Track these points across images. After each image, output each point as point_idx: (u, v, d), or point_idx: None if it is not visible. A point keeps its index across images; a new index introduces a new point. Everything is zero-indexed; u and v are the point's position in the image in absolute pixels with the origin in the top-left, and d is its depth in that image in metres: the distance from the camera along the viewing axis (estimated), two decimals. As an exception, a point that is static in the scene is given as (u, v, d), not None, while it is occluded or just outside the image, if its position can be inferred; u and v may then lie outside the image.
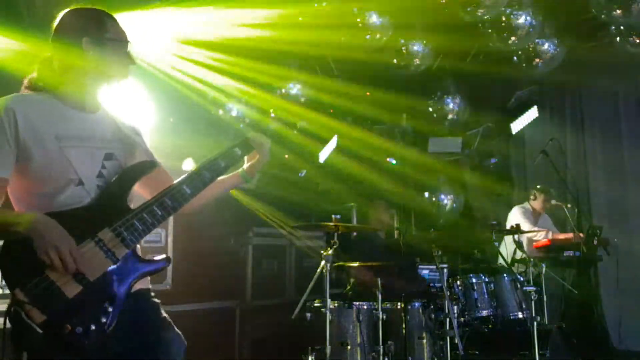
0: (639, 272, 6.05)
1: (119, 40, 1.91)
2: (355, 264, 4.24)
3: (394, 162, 7.21)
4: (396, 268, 4.49)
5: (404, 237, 3.81)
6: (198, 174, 1.91)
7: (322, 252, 3.74)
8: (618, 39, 6.13)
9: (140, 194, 1.99)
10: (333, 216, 3.93)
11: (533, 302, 4.01)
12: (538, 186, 6.15)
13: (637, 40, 5.94)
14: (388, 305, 3.80)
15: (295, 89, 5.96)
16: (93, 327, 1.63)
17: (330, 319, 3.59)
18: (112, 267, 1.71)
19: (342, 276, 4.75)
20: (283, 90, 5.93)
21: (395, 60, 6.40)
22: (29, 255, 1.59)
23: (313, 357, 3.59)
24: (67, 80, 1.86)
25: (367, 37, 5.72)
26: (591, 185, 6.73)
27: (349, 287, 4.62)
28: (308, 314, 3.77)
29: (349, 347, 3.65)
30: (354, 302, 3.79)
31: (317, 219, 6.32)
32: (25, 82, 1.91)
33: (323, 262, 3.73)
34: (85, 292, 1.64)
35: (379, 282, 3.70)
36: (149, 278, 1.94)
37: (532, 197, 6.12)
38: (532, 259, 4.78)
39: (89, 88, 1.90)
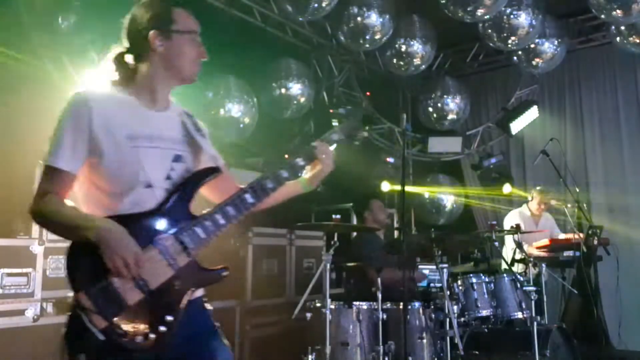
0: (639, 272, 6.06)
1: (187, 31, 1.84)
2: (355, 264, 4.24)
3: (392, 161, 7.21)
4: (396, 268, 4.49)
5: (404, 237, 3.81)
6: (261, 183, 1.87)
7: (322, 252, 3.74)
8: (618, 39, 6.13)
9: (204, 196, 1.96)
10: (333, 216, 3.93)
11: (533, 302, 4.01)
12: (537, 187, 6.16)
13: (637, 40, 5.94)
14: (388, 305, 3.80)
15: (294, 89, 5.96)
16: (152, 336, 1.61)
17: (330, 319, 3.59)
18: (173, 274, 1.68)
19: (342, 276, 4.75)
20: (283, 90, 5.93)
21: (395, 60, 6.41)
22: (94, 259, 1.58)
23: (313, 357, 3.60)
24: (138, 77, 1.83)
25: (367, 36, 5.73)
26: (591, 185, 6.73)
27: (349, 287, 4.62)
28: (308, 314, 3.77)
29: (349, 347, 3.65)
30: (354, 302, 3.79)
31: (317, 219, 6.34)
32: (107, 77, 1.88)
33: (323, 262, 3.73)
34: (146, 300, 1.62)
35: (379, 282, 3.70)
36: None
37: (529, 198, 6.15)
38: (532, 259, 4.77)
39: (160, 85, 1.84)
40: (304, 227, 5.24)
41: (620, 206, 6.46)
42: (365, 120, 2.28)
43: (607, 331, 5.64)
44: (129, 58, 1.85)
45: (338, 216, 3.94)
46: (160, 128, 1.82)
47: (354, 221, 6.25)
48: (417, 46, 6.27)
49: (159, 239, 1.68)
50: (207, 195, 1.95)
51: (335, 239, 3.92)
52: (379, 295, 3.68)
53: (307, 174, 2.09)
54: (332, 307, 3.66)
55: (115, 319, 1.57)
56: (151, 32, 1.79)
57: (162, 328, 1.63)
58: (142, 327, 1.60)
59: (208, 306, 1.92)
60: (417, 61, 6.37)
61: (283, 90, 5.92)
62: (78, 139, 1.68)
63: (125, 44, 1.86)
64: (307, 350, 3.63)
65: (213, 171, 1.86)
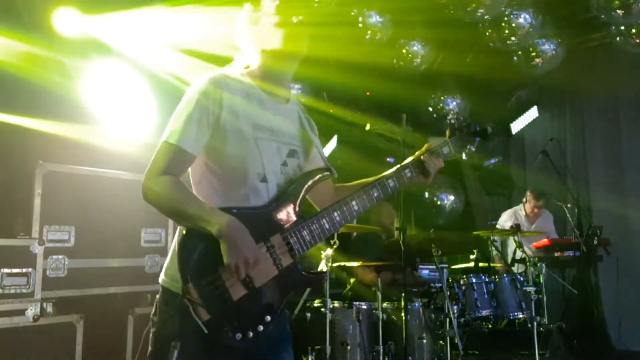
0: (639, 272, 6.06)
1: (275, 14, 1.79)
2: (356, 264, 4.24)
3: (393, 161, 7.21)
4: (396, 268, 4.49)
5: (404, 237, 3.81)
6: (367, 192, 1.86)
7: (322, 252, 3.74)
8: (618, 39, 6.13)
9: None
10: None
11: (533, 302, 4.01)
12: (531, 189, 6.19)
13: (637, 40, 5.94)
14: (388, 305, 3.80)
15: (295, 88, 5.97)
16: (251, 335, 1.60)
17: (330, 319, 3.59)
18: (277, 274, 1.66)
19: (342, 276, 4.75)
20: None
21: (395, 60, 6.41)
22: (208, 252, 1.57)
23: (313, 357, 3.60)
24: (257, 66, 1.82)
25: (367, 36, 5.73)
26: (591, 185, 6.74)
27: (348, 287, 4.62)
28: (308, 314, 3.77)
29: (349, 347, 3.65)
30: (354, 302, 3.78)
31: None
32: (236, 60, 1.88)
33: (323, 262, 3.73)
34: (249, 297, 1.61)
35: (379, 282, 3.70)
36: None
37: (524, 199, 6.19)
38: (532, 259, 4.78)
39: (278, 74, 1.83)
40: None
41: (620, 206, 6.46)
42: (481, 134, 2.20)
43: (607, 331, 5.65)
44: (246, 51, 1.85)
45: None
46: (280, 121, 1.81)
47: (354, 221, 6.24)
48: (417, 46, 6.27)
49: (268, 237, 1.66)
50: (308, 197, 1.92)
51: (335, 239, 3.92)
52: (379, 295, 3.68)
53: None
54: (332, 307, 3.66)
55: (219, 312, 1.56)
56: (246, 23, 1.81)
57: (261, 327, 1.62)
58: (243, 323, 1.59)
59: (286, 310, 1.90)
60: (417, 61, 6.37)
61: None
62: (206, 121, 1.67)
63: (241, 40, 1.85)
64: (307, 350, 3.63)
65: (325, 171, 1.84)
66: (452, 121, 2.16)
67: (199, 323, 1.53)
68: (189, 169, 1.74)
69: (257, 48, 1.81)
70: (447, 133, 2.12)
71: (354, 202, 1.82)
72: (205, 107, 1.67)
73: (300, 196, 1.77)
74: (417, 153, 2.04)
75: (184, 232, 1.62)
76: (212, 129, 1.67)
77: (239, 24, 1.83)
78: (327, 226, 1.77)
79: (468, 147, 2.17)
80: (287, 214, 1.72)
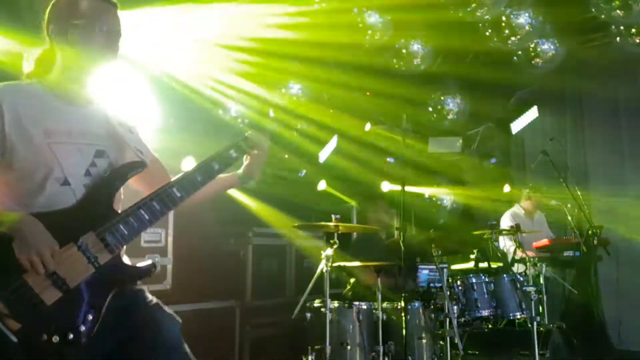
0: (639, 272, 6.05)
1: (87, 19, 1.76)
2: (355, 264, 4.24)
3: (393, 161, 7.21)
4: (396, 268, 4.49)
5: (404, 237, 3.81)
6: (190, 176, 1.83)
7: (322, 252, 3.74)
8: (618, 39, 6.13)
9: (137, 189, 1.92)
10: (333, 216, 3.92)
11: (533, 302, 4.01)
12: (530, 185, 6.19)
13: (637, 40, 5.94)
14: (388, 305, 3.80)
15: (295, 88, 5.96)
16: (71, 336, 1.54)
17: (330, 319, 3.59)
18: (93, 273, 1.62)
19: (342, 276, 4.75)
20: (283, 90, 5.93)
21: (395, 60, 6.41)
22: (6, 258, 1.51)
23: (313, 357, 3.60)
24: (54, 72, 1.80)
25: (367, 37, 5.73)
26: (591, 185, 6.73)
27: (349, 287, 4.62)
28: (308, 314, 3.77)
29: (349, 347, 3.65)
30: (354, 302, 3.79)
31: (317, 219, 6.33)
32: (25, 71, 1.85)
33: (323, 262, 3.73)
34: (65, 299, 1.56)
35: (379, 282, 3.70)
36: None
37: (523, 197, 6.19)
38: (532, 259, 4.78)
39: (74, 79, 1.80)
40: (304, 227, 5.24)
41: (620, 206, 6.46)
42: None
43: (607, 331, 5.64)
44: (48, 55, 1.82)
45: (338, 216, 3.94)
46: (80, 123, 1.78)
47: (354, 221, 6.25)
48: (417, 46, 6.27)
49: (78, 236, 1.62)
50: (143, 191, 1.89)
51: (335, 239, 3.92)
52: (379, 295, 3.68)
53: (243, 165, 2.05)
54: (332, 307, 3.66)
55: (30, 319, 1.51)
56: (50, 27, 1.78)
57: (82, 327, 1.57)
58: (60, 327, 1.54)
59: (138, 288, 1.84)
60: (417, 61, 6.37)
61: (283, 90, 5.92)
62: None
63: (47, 41, 1.83)
64: (307, 350, 3.64)
65: (137, 166, 1.81)
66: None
67: (7, 334, 1.48)
68: None
69: (62, 52, 1.79)
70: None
71: (174, 189, 1.79)
72: None
73: (113, 192, 1.74)
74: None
75: None
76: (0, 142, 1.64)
77: (46, 24, 1.80)
78: (146, 217, 1.72)
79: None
80: (98, 211, 1.69)
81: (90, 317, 1.59)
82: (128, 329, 1.69)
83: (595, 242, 4.98)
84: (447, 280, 4.00)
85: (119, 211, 1.76)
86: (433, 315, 3.88)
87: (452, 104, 7.16)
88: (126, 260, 1.75)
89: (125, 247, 1.76)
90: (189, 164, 4.34)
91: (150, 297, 1.83)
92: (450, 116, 7.19)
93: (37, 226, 1.56)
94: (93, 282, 1.63)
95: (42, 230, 1.56)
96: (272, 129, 1.92)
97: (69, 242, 1.61)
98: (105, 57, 1.81)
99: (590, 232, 5.04)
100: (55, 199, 1.67)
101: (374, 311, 3.72)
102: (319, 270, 3.78)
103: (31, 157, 1.66)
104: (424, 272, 5.46)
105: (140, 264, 1.76)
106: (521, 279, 4.31)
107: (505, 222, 6.03)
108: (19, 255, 1.52)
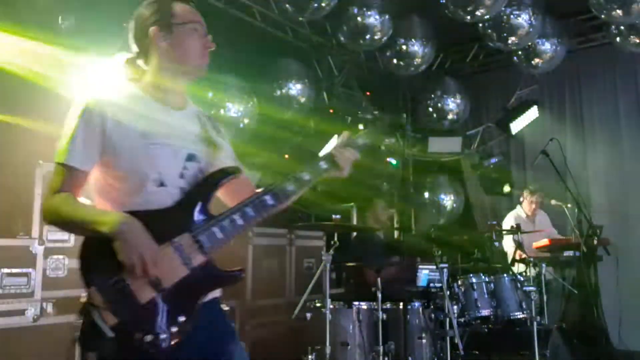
0: (639, 272, 6.05)
1: (189, 22, 1.82)
2: (355, 264, 4.25)
3: (394, 162, 7.21)
4: (396, 268, 4.49)
5: (404, 237, 3.82)
6: (281, 186, 1.84)
7: (322, 252, 3.74)
8: (618, 39, 6.13)
9: (219, 198, 1.92)
10: (333, 216, 3.93)
11: (533, 302, 4.01)
12: (529, 187, 6.19)
13: (637, 40, 5.95)
14: (388, 305, 3.80)
15: (294, 89, 5.96)
16: (163, 336, 1.56)
17: (330, 319, 3.59)
18: (187, 274, 1.64)
19: (342, 276, 4.76)
20: (283, 90, 5.93)
21: (395, 60, 6.41)
22: (108, 254, 1.55)
23: (313, 357, 3.60)
24: (149, 75, 1.82)
25: (367, 37, 5.73)
26: (591, 185, 6.73)
27: (349, 287, 4.62)
28: (308, 314, 3.77)
29: (349, 347, 3.65)
30: (354, 302, 3.79)
31: (317, 219, 6.34)
32: (115, 74, 1.88)
33: (323, 262, 3.73)
34: (159, 299, 1.59)
35: (379, 282, 3.70)
36: None
37: (521, 199, 6.19)
38: (532, 259, 4.78)
39: (171, 82, 1.83)
40: (304, 227, 5.25)
41: (620, 206, 6.46)
42: (394, 125, 2.23)
43: (607, 331, 5.64)
44: (139, 60, 1.85)
45: (338, 216, 3.94)
46: (175, 126, 1.80)
47: (354, 221, 6.25)
48: (417, 46, 6.27)
49: (174, 237, 1.65)
50: (222, 197, 1.92)
51: (335, 239, 3.92)
52: (379, 295, 3.68)
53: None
54: (332, 307, 3.66)
55: (125, 316, 1.54)
56: (152, 28, 1.79)
57: (174, 329, 1.59)
58: (154, 326, 1.57)
59: (224, 307, 1.89)
60: (417, 61, 6.37)
61: (283, 90, 5.92)
62: (91, 137, 1.67)
63: (133, 47, 1.85)
64: (307, 350, 3.64)
65: (233, 171, 1.83)
66: (367, 115, 2.16)
67: (104, 329, 1.51)
68: (89, 184, 1.74)
69: (158, 55, 1.81)
70: (363, 126, 2.14)
71: (267, 197, 1.80)
72: (89, 122, 1.67)
73: (209, 195, 1.76)
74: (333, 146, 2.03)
75: (83, 240, 1.62)
76: (100, 142, 1.67)
77: (139, 27, 1.82)
78: (240, 222, 1.74)
79: (384, 137, 2.18)
80: (194, 213, 1.71)
81: (182, 319, 1.61)
82: (204, 349, 1.71)
83: (595, 242, 4.99)
84: (447, 280, 4.00)
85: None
86: (433, 315, 3.89)
87: (452, 104, 7.16)
88: (217, 264, 1.75)
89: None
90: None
91: (230, 323, 1.87)
92: (450, 116, 7.19)
93: (139, 228, 1.59)
94: (186, 284, 1.64)
95: (144, 232, 1.59)
96: (364, 143, 1.93)
97: (164, 242, 1.63)
98: (203, 60, 1.85)
99: (590, 232, 5.04)
100: (151, 199, 1.69)
101: (374, 311, 3.72)
102: (319, 271, 3.78)
103: (131, 159, 1.69)
104: (424, 272, 5.46)
105: (231, 269, 1.76)
106: (521, 279, 4.31)
107: (508, 224, 6.02)
108: (122, 257, 1.55)
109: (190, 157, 1.79)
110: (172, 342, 1.58)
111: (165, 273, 1.60)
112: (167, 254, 1.62)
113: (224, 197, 1.92)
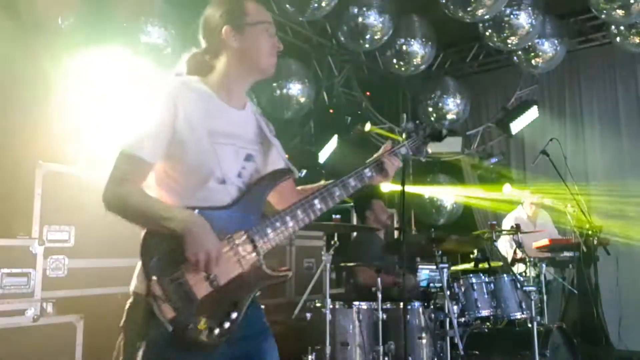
0: (639, 272, 6.06)
1: (260, 22, 1.83)
2: (355, 264, 4.24)
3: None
4: (396, 268, 4.49)
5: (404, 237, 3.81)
6: (329, 191, 1.89)
7: (322, 252, 3.74)
8: (618, 39, 6.13)
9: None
10: (333, 216, 3.92)
11: (533, 302, 4.00)
12: (530, 189, 6.19)
13: (637, 40, 5.95)
14: (388, 305, 3.79)
15: (294, 89, 5.96)
16: (217, 331, 1.60)
17: (330, 319, 3.59)
18: (241, 272, 1.68)
19: (342, 276, 4.75)
20: (283, 90, 5.93)
21: (395, 60, 6.41)
22: (170, 248, 1.58)
23: (313, 357, 3.59)
24: (215, 74, 1.83)
25: (367, 36, 5.73)
26: (591, 185, 6.73)
27: (349, 288, 4.62)
28: (308, 314, 3.77)
29: (349, 347, 3.65)
30: (354, 302, 3.78)
31: (317, 218, 6.32)
32: (185, 66, 1.86)
33: (323, 262, 3.73)
34: (214, 295, 1.62)
35: (379, 282, 3.70)
36: None
37: (522, 200, 6.19)
38: (532, 259, 4.78)
39: (237, 82, 1.84)
40: (304, 227, 5.23)
41: (620, 206, 6.46)
42: (434, 135, 2.28)
43: (607, 331, 5.64)
44: (207, 57, 1.85)
45: (338, 216, 3.94)
46: (237, 126, 1.83)
47: (354, 221, 6.24)
48: (417, 46, 6.27)
49: (231, 235, 1.68)
50: (269, 197, 1.93)
51: (335, 239, 3.92)
52: (379, 295, 3.67)
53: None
54: (332, 307, 3.66)
55: (183, 310, 1.57)
56: (225, 28, 1.79)
57: (227, 324, 1.62)
58: (208, 321, 1.60)
59: (261, 305, 1.92)
60: (417, 61, 6.37)
61: (283, 90, 5.92)
62: (162, 130, 1.68)
63: (203, 44, 1.86)
64: (307, 350, 3.63)
65: (287, 172, 1.87)
66: (409, 125, 2.22)
67: (163, 321, 1.54)
68: (151, 174, 1.75)
69: (228, 55, 1.82)
70: (404, 135, 2.20)
71: (316, 201, 1.85)
72: (160, 115, 1.69)
73: (263, 196, 1.80)
74: (376, 154, 2.08)
75: (146, 231, 1.63)
76: (169, 137, 1.69)
77: (210, 25, 1.82)
78: (291, 224, 1.80)
79: (424, 149, 2.26)
80: (250, 213, 1.75)
81: (234, 315, 1.64)
82: (244, 346, 1.73)
83: (595, 242, 4.99)
84: (447, 280, 4.00)
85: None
86: (433, 315, 3.88)
87: (452, 104, 7.16)
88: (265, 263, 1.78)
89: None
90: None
91: (266, 321, 1.90)
92: (450, 116, 7.19)
93: (208, 227, 1.61)
94: (239, 281, 1.68)
95: (211, 232, 1.62)
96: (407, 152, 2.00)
97: (223, 240, 1.66)
98: (271, 60, 1.86)
99: (590, 232, 5.04)
100: (211, 196, 1.72)
101: (374, 311, 3.72)
102: (319, 271, 3.78)
103: (198, 156, 1.71)
104: (424, 272, 5.46)
105: (279, 269, 1.82)
106: (521, 279, 4.30)
107: (507, 224, 6.01)
108: (188, 254, 1.57)
109: (248, 157, 1.83)
110: (224, 338, 1.61)
111: (222, 270, 1.64)
112: (225, 251, 1.66)
113: (271, 197, 1.93)
